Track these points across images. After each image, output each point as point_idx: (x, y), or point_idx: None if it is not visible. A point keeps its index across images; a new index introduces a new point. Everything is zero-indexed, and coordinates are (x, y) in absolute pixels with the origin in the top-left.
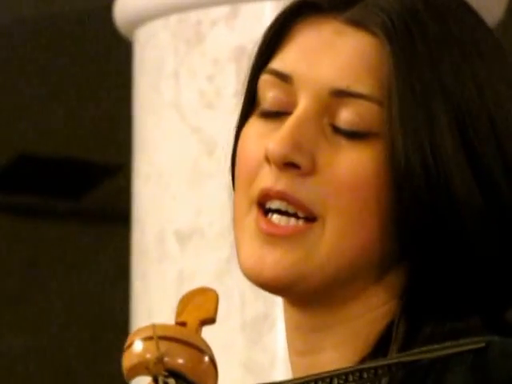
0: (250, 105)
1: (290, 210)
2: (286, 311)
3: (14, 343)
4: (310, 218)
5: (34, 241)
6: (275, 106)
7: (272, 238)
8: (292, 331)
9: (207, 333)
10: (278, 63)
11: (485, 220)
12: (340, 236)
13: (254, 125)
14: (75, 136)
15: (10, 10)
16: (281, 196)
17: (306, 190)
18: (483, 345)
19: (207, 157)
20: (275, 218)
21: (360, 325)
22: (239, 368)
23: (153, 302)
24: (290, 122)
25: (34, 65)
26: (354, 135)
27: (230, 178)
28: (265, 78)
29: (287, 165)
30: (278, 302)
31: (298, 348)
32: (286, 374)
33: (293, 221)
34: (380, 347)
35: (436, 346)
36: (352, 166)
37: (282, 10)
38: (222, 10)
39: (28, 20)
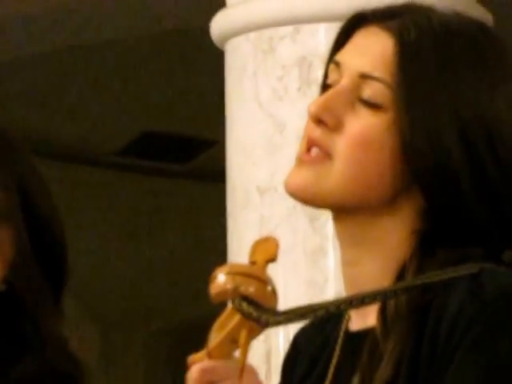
0: (324, 85)
1: (320, 149)
2: (335, 229)
3: None
4: (328, 156)
5: (154, 194)
6: (332, 82)
7: (301, 163)
8: (341, 245)
9: (281, 260)
10: (338, 56)
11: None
12: (343, 174)
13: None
14: (185, 118)
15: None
16: (312, 142)
17: (330, 140)
18: (479, 270)
19: (279, 134)
20: (313, 151)
21: (387, 249)
22: (302, 285)
23: (241, 236)
24: (328, 93)
25: (157, 72)
26: (371, 106)
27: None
28: (331, 65)
29: (319, 121)
30: (330, 236)
31: (345, 259)
32: (336, 289)
33: (317, 151)
34: (402, 271)
35: (440, 272)
36: (363, 127)
37: (346, 20)
38: (288, 29)
39: (152, 37)
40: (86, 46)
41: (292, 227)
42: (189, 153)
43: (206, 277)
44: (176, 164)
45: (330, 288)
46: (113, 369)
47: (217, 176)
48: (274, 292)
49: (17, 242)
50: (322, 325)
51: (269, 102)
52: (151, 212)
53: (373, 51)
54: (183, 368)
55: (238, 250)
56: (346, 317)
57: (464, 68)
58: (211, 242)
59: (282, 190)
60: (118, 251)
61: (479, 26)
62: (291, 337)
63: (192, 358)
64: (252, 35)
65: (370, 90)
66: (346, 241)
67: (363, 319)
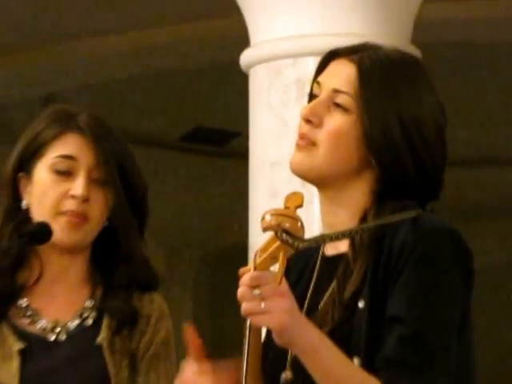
0: (311, 96)
1: (308, 140)
2: (319, 196)
3: None
4: (314, 144)
5: (201, 165)
6: (316, 95)
7: (298, 147)
8: (322, 204)
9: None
10: (319, 78)
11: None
12: (326, 156)
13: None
14: (223, 117)
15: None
16: (303, 134)
17: (315, 133)
18: (416, 214)
19: (283, 128)
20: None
21: (355, 203)
22: None
23: (258, 193)
24: (313, 102)
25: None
26: (341, 110)
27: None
28: (315, 84)
29: (308, 121)
30: (315, 193)
31: (325, 212)
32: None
33: (306, 141)
34: (364, 216)
35: (390, 216)
36: (336, 124)
37: (324, 55)
38: (290, 60)
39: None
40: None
41: (290, 189)
42: (224, 140)
43: (234, 217)
44: (216, 147)
45: (316, 227)
46: (175, 278)
47: (242, 154)
48: (302, 226)
49: (116, 196)
50: (304, 251)
51: (277, 107)
52: (200, 176)
53: (342, 74)
54: (221, 283)
55: (256, 201)
56: (322, 246)
57: (401, 85)
58: (242, 197)
59: (285, 165)
60: (182, 202)
61: (411, 57)
62: None
63: (242, 270)
64: (267, 64)
65: (340, 100)
66: (327, 200)
67: (335, 248)
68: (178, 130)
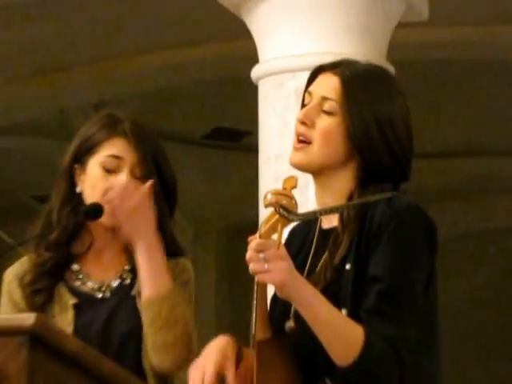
0: (303, 104)
1: (303, 139)
2: (313, 182)
3: None
4: (309, 143)
5: (221, 158)
6: (307, 102)
7: (295, 149)
8: (316, 189)
9: None
10: (310, 88)
11: (387, 146)
12: (319, 151)
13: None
14: (238, 119)
15: None
16: (299, 134)
17: (309, 133)
18: (391, 195)
19: (285, 128)
20: (300, 140)
21: (343, 187)
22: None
23: (265, 179)
24: (306, 107)
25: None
26: (328, 113)
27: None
28: (306, 93)
29: (303, 122)
30: (310, 179)
31: (318, 195)
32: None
33: (303, 144)
34: (350, 197)
35: (370, 197)
36: (326, 125)
37: (313, 69)
38: (290, 74)
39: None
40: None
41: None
42: (238, 137)
43: (246, 198)
44: (231, 143)
45: (310, 207)
46: (201, 246)
47: (253, 149)
48: (296, 203)
49: (154, 186)
50: (303, 224)
51: (280, 111)
52: (218, 167)
53: (328, 85)
54: (237, 249)
55: (264, 186)
56: (319, 220)
57: (376, 92)
58: (252, 183)
59: (286, 157)
60: (205, 187)
61: (382, 69)
62: None
63: (250, 238)
64: (272, 77)
65: (328, 105)
66: (320, 185)
67: (329, 222)
68: (201, 130)
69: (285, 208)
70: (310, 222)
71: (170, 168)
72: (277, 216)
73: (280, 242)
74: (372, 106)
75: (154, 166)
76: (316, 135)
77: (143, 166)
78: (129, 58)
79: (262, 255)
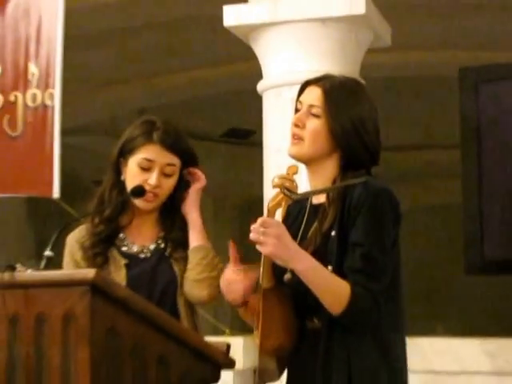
0: (296, 110)
1: (297, 137)
2: (306, 170)
3: None
4: (301, 140)
5: (234, 151)
6: (299, 109)
7: (292, 144)
8: (308, 175)
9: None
10: (300, 97)
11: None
12: (309, 146)
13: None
14: (245, 120)
15: None
16: (294, 134)
17: (301, 133)
18: (366, 179)
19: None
20: (295, 138)
21: (329, 173)
22: None
23: (269, 168)
24: (298, 113)
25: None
26: (315, 116)
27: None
28: (298, 102)
29: (296, 125)
30: (303, 167)
31: (310, 179)
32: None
33: (297, 141)
34: (334, 181)
35: (350, 180)
36: (313, 126)
37: (302, 83)
38: (287, 87)
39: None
40: None
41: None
42: (247, 136)
43: (254, 184)
44: (242, 140)
45: (303, 188)
46: (220, 219)
47: (258, 145)
48: (296, 185)
49: (176, 178)
50: (298, 201)
51: (280, 115)
52: (233, 159)
53: (313, 95)
54: (248, 221)
55: (268, 174)
56: (310, 198)
57: (350, 98)
58: (259, 172)
59: (285, 152)
60: (222, 176)
61: (357, 81)
62: None
63: (259, 218)
64: (273, 89)
65: (315, 110)
66: (311, 172)
67: (318, 199)
68: (219, 129)
69: (288, 189)
70: (302, 200)
71: (197, 163)
72: (281, 195)
73: (284, 215)
74: (347, 110)
75: (181, 166)
76: (306, 134)
77: (170, 167)
78: (165, 76)
79: (262, 229)
